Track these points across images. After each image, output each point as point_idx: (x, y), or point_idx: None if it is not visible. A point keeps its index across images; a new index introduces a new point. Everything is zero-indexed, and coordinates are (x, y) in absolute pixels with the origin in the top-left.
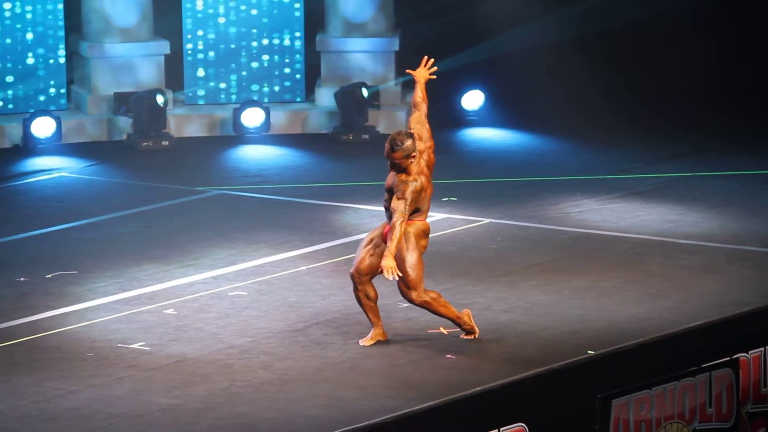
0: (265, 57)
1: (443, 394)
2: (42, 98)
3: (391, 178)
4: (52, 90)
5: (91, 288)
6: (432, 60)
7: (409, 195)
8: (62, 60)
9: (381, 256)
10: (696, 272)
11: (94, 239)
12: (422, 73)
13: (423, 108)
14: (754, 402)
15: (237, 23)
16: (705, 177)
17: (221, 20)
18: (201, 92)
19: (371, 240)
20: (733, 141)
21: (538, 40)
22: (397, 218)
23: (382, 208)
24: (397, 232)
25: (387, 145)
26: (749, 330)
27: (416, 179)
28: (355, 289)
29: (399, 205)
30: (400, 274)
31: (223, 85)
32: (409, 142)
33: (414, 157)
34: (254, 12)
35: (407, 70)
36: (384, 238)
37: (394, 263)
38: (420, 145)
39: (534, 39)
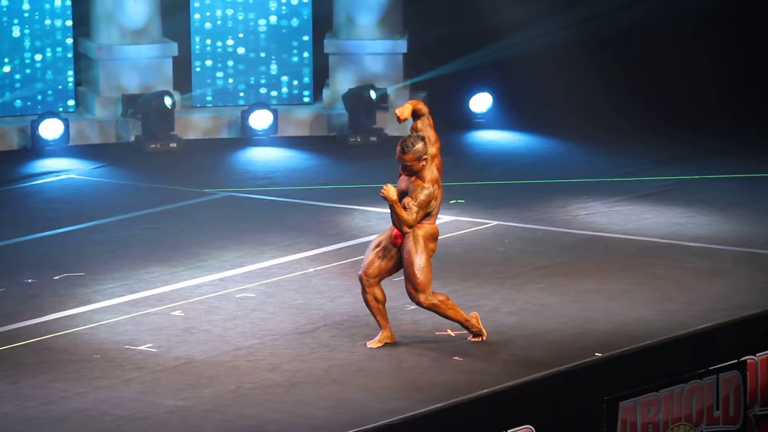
0: (274, 59)
1: (451, 396)
2: (50, 100)
3: (404, 182)
4: (60, 92)
5: (99, 290)
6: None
7: (423, 201)
8: (70, 62)
9: (390, 259)
10: (703, 275)
11: (102, 241)
12: (407, 108)
13: (426, 113)
14: (761, 404)
15: (245, 25)
16: (712, 180)
17: (229, 22)
18: (209, 94)
19: (379, 243)
20: (741, 143)
21: (546, 43)
22: (409, 215)
23: (390, 212)
24: (401, 212)
25: (398, 148)
26: (757, 333)
27: (430, 186)
28: (364, 292)
29: (412, 207)
30: (387, 194)
31: (231, 87)
32: (419, 145)
33: (426, 159)
34: (262, 14)
35: (399, 116)
36: (393, 241)
37: (388, 194)
38: (431, 150)
39: (541, 42)
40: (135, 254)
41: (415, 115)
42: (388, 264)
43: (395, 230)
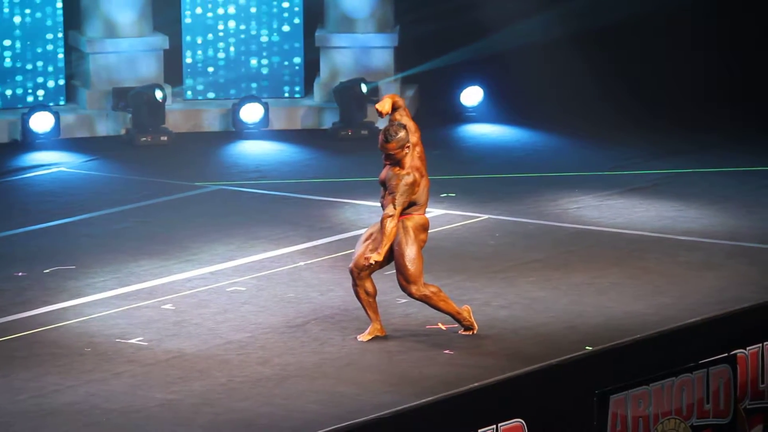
0: (264, 53)
1: (441, 389)
2: (41, 93)
3: (386, 172)
4: (51, 85)
5: (90, 283)
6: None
7: (401, 189)
8: (61, 55)
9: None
10: (694, 268)
11: (93, 234)
12: (387, 102)
13: (402, 104)
14: (752, 398)
15: (236, 18)
16: (703, 173)
17: (220, 15)
18: (200, 87)
19: (370, 235)
20: (732, 137)
21: (537, 37)
22: (388, 213)
23: (381, 204)
24: (387, 230)
25: (381, 137)
26: (747, 326)
27: (409, 173)
28: (354, 285)
29: (391, 202)
30: (375, 261)
31: (221, 81)
32: (402, 133)
33: (408, 147)
34: (253, 9)
35: (380, 110)
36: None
37: (380, 260)
38: (412, 138)
39: (533, 35)
40: (126, 248)
41: (392, 107)
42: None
43: None
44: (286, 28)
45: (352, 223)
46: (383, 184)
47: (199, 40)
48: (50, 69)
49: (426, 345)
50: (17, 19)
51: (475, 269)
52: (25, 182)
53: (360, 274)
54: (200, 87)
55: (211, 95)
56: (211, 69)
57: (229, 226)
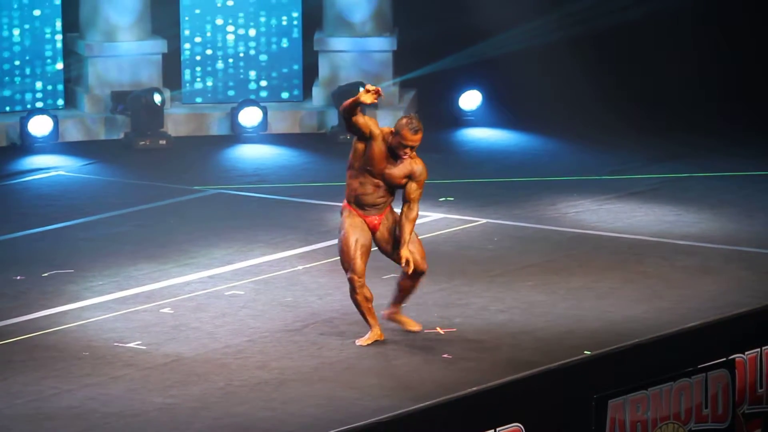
0: (263, 56)
1: (439, 394)
2: (39, 97)
3: (400, 168)
4: (50, 88)
5: (88, 287)
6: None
7: (423, 183)
8: (59, 58)
9: (368, 252)
10: (692, 273)
11: (91, 238)
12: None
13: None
14: (750, 403)
15: (234, 22)
16: (702, 178)
17: (219, 19)
18: (198, 91)
19: (356, 241)
20: (730, 141)
21: (536, 41)
22: (415, 214)
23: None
24: (413, 230)
25: (406, 132)
26: (745, 331)
27: (423, 165)
28: (354, 293)
29: (417, 198)
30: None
31: (220, 84)
32: (420, 123)
33: None
34: (252, 11)
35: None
36: (372, 229)
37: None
38: (376, 131)
39: (531, 39)
40: (124, 251)
41: (355, 106)
42: (367, 257)
43: (373, 217)
44: (284, 31)
45: None
46: (399, 177)
47: (198, 44)
48: (49, 72)
49: (424, 349)
50: (16, 22)
51: (474, 273)
52: (24, 186)
53: (360, 281)
54: (199, 91)
55: (209, 99)
56: (210, 71)
57: (227, 229)
